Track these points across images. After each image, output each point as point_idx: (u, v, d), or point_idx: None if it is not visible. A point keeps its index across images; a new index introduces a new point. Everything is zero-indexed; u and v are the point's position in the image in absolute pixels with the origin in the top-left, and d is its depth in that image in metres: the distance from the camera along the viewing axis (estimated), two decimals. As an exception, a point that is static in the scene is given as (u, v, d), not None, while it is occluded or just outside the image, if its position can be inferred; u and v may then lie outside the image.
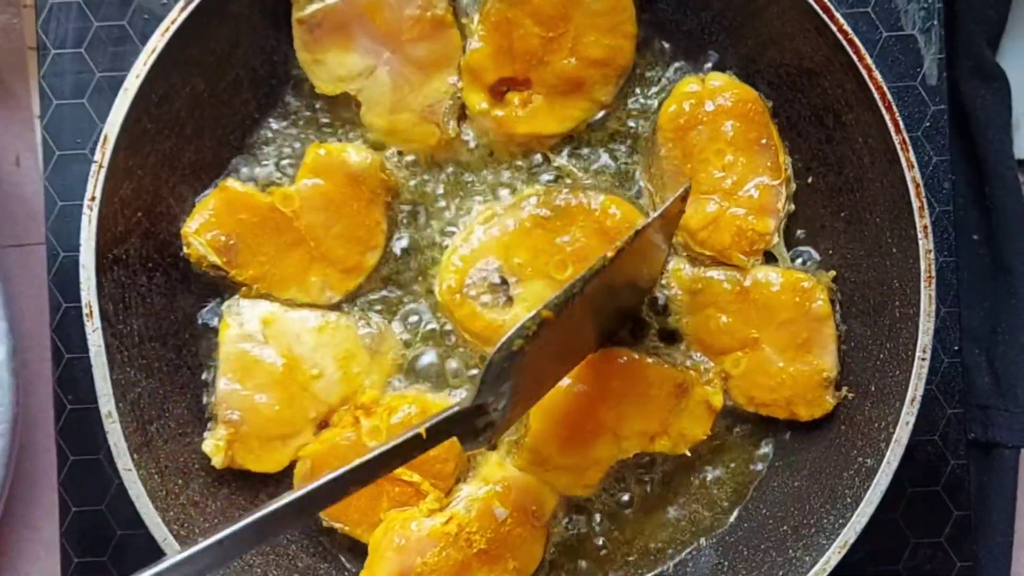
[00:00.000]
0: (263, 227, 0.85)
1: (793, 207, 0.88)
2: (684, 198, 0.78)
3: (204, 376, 0.88)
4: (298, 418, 0.86)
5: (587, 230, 0.86)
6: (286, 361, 0.85)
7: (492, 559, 0.84)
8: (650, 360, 0.86)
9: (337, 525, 0.86)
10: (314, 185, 0.85)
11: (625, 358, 0.85)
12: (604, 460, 0.86)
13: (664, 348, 0.89)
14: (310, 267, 0.86)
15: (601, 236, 0.86)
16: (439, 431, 0.70)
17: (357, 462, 0.67)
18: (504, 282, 0.87)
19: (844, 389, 0.87)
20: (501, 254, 0.86)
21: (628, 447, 0.86)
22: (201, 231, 0.85)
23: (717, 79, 0.87)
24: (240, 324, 0.85)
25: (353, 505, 0.85)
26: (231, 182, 0.86)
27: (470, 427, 0.71)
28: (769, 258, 0.89)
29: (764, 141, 0.86)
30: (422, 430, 0.69)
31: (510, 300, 0.87)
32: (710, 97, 0.86)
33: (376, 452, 0.67)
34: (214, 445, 0.84)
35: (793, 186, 0.88)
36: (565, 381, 0.84)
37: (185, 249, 0.85)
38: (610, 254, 0.69)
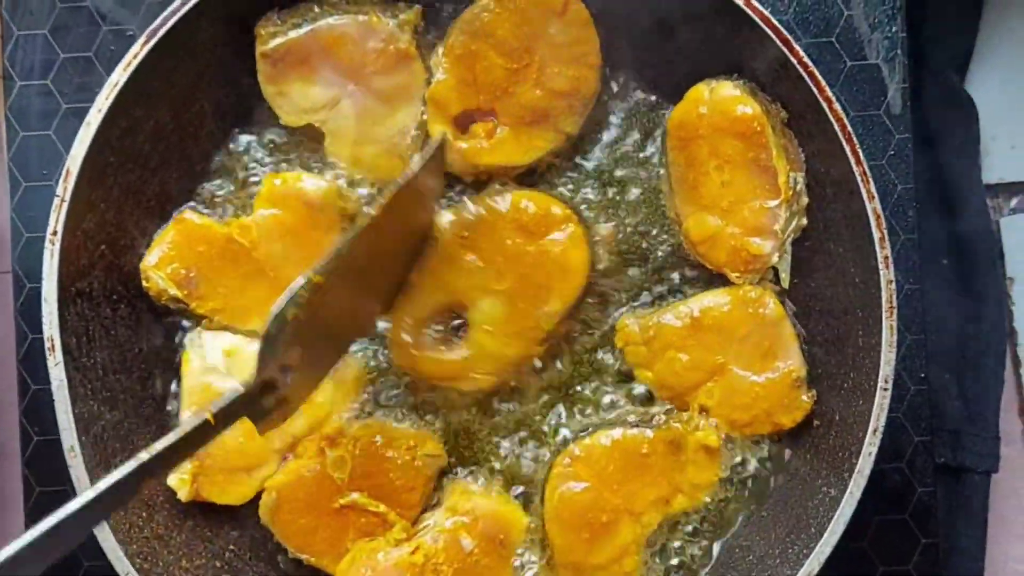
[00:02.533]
0: (222, 259, 0.85)
1: (805, 222, 0.86)
2: (441, 147, 0.81)
3: (169, 408, 0.88)
4: (263, 450, 0.86)
5: (508, 232, 0.86)
6: None
7: None
8: (633, 431, 0.86)
9: (303, 556, 0.86)
10: (272, 215, 0.86)
11: (608, 440, 0.85)
12: (633, 543, 0.86)
13: (641, 410, 0.89)
14: (271, 298, 0.86)
15: (524, 233, 0.86)
16: (228, 414, 0.68)
17: (145, 455, 0.62)
18: (452, 315, 0.87)
19: (813, 391, 0.87)
20: (441, 290, 0.86)
21: (649, 520, 0.86)
22: (160, 265, 0.85)
23: (726, 89, 0.85)
24: (202, 357, 0.85)
25: (319, 536, 0.85)
26: (188, 214, 0.86)
27: (260, 407, 0.70)
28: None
29: (763, 161, 0.85)
30: (209, 415, 0.66)
31: (461, 329, 0.87)
32: (712, 110, 0.85)
33: (167, 441, 0.64)
34: (179, 479, 0.84)
35: (804, 200, 0.86)
36: (572, 486, 0.85)
37: (144, 283, 0.85)
38: (374, 212, 0.71)
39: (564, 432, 0.89)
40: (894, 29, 0.93)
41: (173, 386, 0.88)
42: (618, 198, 0.91)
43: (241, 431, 0.84)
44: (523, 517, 0.87)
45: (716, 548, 0.90)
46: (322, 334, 0.74)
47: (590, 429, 0.88)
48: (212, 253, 0.85)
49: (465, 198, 0.88)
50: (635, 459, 0.85)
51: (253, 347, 0.85)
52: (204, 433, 0.66)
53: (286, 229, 0.86)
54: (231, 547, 0.88)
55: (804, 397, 0.86)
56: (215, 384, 0.85)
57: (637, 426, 0.87)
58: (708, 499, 0.87)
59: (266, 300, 0.86)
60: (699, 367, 0.87)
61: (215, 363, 0.85)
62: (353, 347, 0.88)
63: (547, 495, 0.86)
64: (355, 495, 0.85)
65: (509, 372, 0.88)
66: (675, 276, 0.91)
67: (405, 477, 0.86)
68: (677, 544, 0.89)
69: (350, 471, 0.85)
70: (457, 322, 0.88)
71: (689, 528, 0.89)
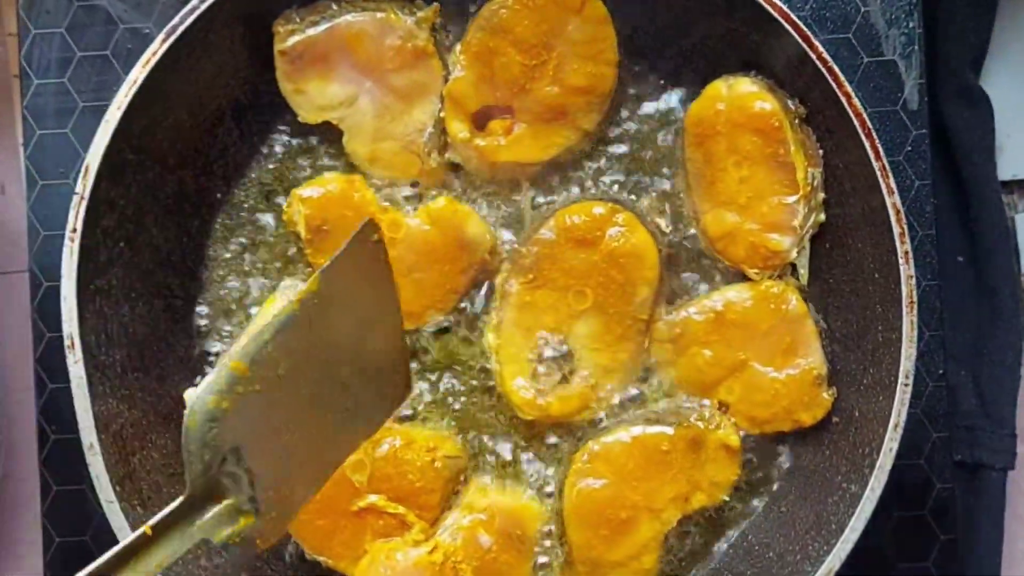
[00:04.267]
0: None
1: (823, 217, 0.86)
2: (369, 232, 0.71)
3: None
4: None
5: (569, 254, 0.86)
6: None
7: None
8: (653, 429, 0.86)
9: (321, 559, 0.86)
10: (425, 230, 0.86)
11: (628, 437, 0.85)
12: (652, 540, 0.85)
13: (660, 407, 0.89)
14: None
15: (583, 246, 0.86)
16: (170, 532, 0.61)
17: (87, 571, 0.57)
18: (553, 355, 0.88)
19: (834, 389, 0.87)
20: (533, 335, 0.87)
21: (668, 517, 0.86)
22: (308, 202, 0.85)
23: (744, 85, 0.85)
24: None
25: (336, 538, 0.85)
26: (361, 180, 0.87)
27: (216, 522, 0.63)
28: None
29: (781, 157, 0.84)
30: (147, 528, 0.60)
31: (569, 358, 0.88)
32: (730, 106, 0.85)
33: (103, 558, 0.58)
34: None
35: (821, 195, 0.86)
36: (590, 483, 0.85)
37: (285, 205, 0.87)
38: (295, 296, 0.65)
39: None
40: (911, 25, 0.93)
41: (190, 384, 0.88)
42: (633, 197, 0.91)
43: None
44: (539, 511, 0.87)
45: (719, 546, 0.90)
46: (282, 431, 0.67)
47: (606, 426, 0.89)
48: (353, 223, 0.83)
49: (515, 245, 0.89)
50: (655, 456, 0.85)
51: None
52: (146, 550, 0.60)
53: (429, 248, 0.86)
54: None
55: (825, 394, 0.86)
56: None
57: (656, 423, 0.86)
58: (727, 497, 0.87)
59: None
60: (721, 363, 0.86)
61: None
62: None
63: (565, 492, 0.86)
64: (374, 498, 0.85)
65: (632, 375, 0.89)
66: (691, 274, 0.90)
67: (424, 479, 0.86)
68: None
69: (369, 474, 0.85)
70: (560, 351, 0.88)
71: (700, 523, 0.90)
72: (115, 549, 0.59)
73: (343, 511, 0.85)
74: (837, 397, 0.86)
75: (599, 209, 0.86)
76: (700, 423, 0.86)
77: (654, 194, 0.90)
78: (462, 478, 0.89)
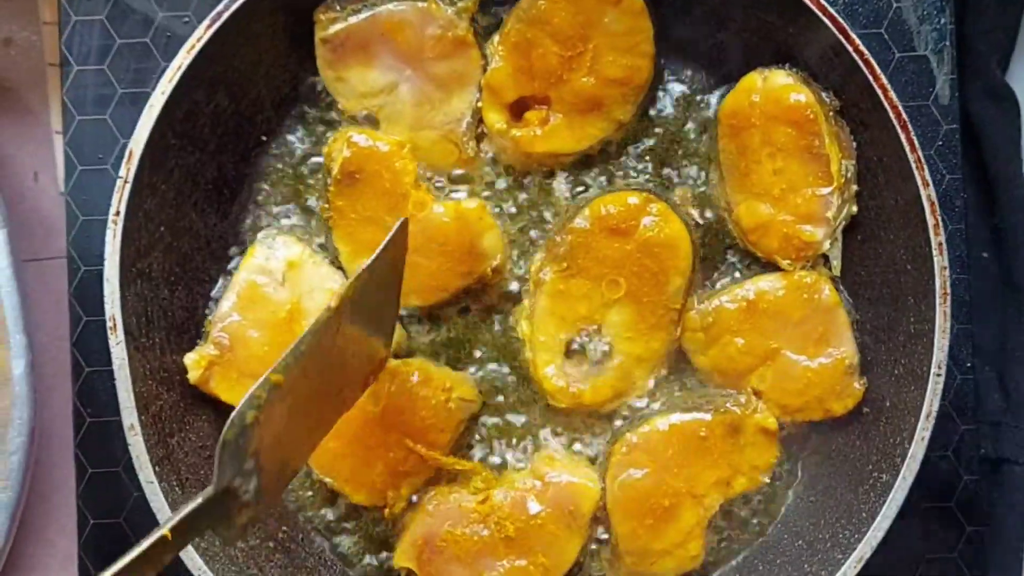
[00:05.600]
0: (384, 194, 0.86)
1: (855, 209, 0.87)
2: (399, 243, 0.77)
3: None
4: None
5: (603, 243, 0.87)
6: (291, 309, 0.85)
7: (521, 549, 0.86)
8: (690, 416, 0.87)
9: (327, 479, 0.87)
10: (445, 221, 0.86)
11: (666, 424, 0.86)
12: (696, 526, 0.86)
13: (694, 395, 0.89)
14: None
15: (617, 235, 0.87)
16: (186, 529, 0.63)
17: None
18: (585, 343, 0.89)
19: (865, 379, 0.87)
20: (566, 325, 0.88)
21: (711, 503, 0.87)
22: (354, 146, 0.86)
23: (779, 78, 0.86)
24: (267, 257, 0.86)
25: (346, 462, 0.86)
26: (411, 150, 0.87)
27: (223, 516, 0.66)
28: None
29: (816, 149, 0.85)
30: (166, 531, 0.62)
31: (602, 346, 0.89)
32: (765, 99, 0.86)
33: (121, 563, 0.60)
34: (196, 358, 0.84)
35: (854, 188, 0.86)
36: (632, 473, 0.86)
37: (331, 139, 0.88)
38: (333, 304, 0.69)
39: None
40: (943, 21, 0.94)
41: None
42: (666, 188, 0.91)
43: (267, 338, 0.85)
44: (595, 493, 0.87)
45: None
46: (286, 431, 0.70)
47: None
48: (384, 184, 0.86)
49: (550, 235, 0.89)
50: (694, 442, 0.86)
51: (317, 269, 0.87)
52: (163, 551, 0.62)
53: (440, 240, 0.86)
54: (284, 528, 0.88)
55: (856, 384, 0.87)
56: (264, 287, 0.85)
57: (693, 410, 0.87)
58: (767, 479, 0.87)
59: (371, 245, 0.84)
60: (753, 352, 0.87)
61: (274, 268, 0.86)
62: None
63: (608, 485, 0.87)
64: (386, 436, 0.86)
65: (663, 364, 0.89)
66: (723, 264, 0.91)
67: (437, 417, 0.86)
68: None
69: (383, 405, 0.85)
70: (593, 339, 0.89)
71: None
72: (136, 551, 0.61)
73: (355, 437, 0.86)
74: (868, 387, 0.87)
75: (634, 199, 0.87)
76: (736, 408, 0.87)
77: (687, 184, 0.91)
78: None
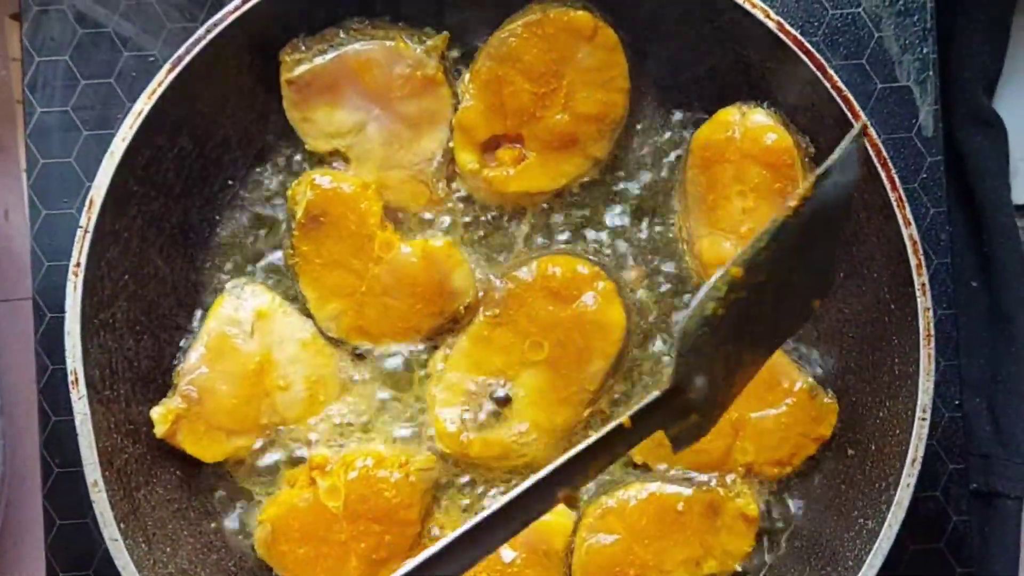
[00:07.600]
0: (350, 236, 0.84)
1: None
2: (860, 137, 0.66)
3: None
4: (249, 419, 0.84)
5: (539, 302, 0.85)
6: (261, 361, 0.84)
7: None
8: (671, 488, 0.84)
9: None
10: (412, 261, 0.85)
11: (645, 493, 0.84)
12: None
13: (682, 470, 0.87)
14: (350, 299, 0.86)
15: (555, 299, 0.85)
16: (643, 420, 0.63)
17: (528, 481, 0.61)
18: (491, 395, 0.86)
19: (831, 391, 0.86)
20: (479, 370, 0.86)
21: None
22: (317, 189, 0.84)
23: (758, 116, 0.84)
24: (235, 308, 0.84)
25: (321, 564, 0.83)
26: (376, 191, 0.86)
27: (673, 416, 0.65)
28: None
29: (788, 193, 0.83)
30: (625, 419, 0.62)
31: (506, 403, 0.86)
32: (743, 136, 0.84)
33: (573, 452, 0.61)
34: (163, 412, 0.83)
35: None
36: (601, 538, 0.83)
37: (295, 183, 0.86)
38: (792, 203, 0.63)
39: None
40: (925, 51, 0.91)
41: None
42: (640, 226, 0.89)
43: (235, 391, 0.83)
44: (566, 526, 0.85)
45: None
46: (730, 342, 0.66)
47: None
48: (349, 231, 0.84)
49: (491, 276, 0.87)
50: (669, 515, 0.83)
51: (287, 319, 0.85)
52: (616, 444, 0.63)
53: (408, 281, 0.85)
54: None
55: (827, 400, 0.85)
56: (233, 338, 0.84)
57: (675, 482, 0.85)
58: (739, 567, 0.85)
59: (344, 295, 0.85)
60: (719, 433, 0.83)
61: (243, 319, 0.84)
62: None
63: (576, 545, 0.84)
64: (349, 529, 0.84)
65: (561, 442, 0.86)
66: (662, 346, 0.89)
67: (401, 494, 0.84)
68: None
69: (344, 498, 0.84)
70: (499, 394, 0.86)
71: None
72: (593, 438, 0.62)
73: (323, 537, 0.84)
74: (852, 429, 0.85)
75: (583, 269, 0.85)
76: (720, 488, 0.84)
77: (638, 267, 0.89)
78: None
